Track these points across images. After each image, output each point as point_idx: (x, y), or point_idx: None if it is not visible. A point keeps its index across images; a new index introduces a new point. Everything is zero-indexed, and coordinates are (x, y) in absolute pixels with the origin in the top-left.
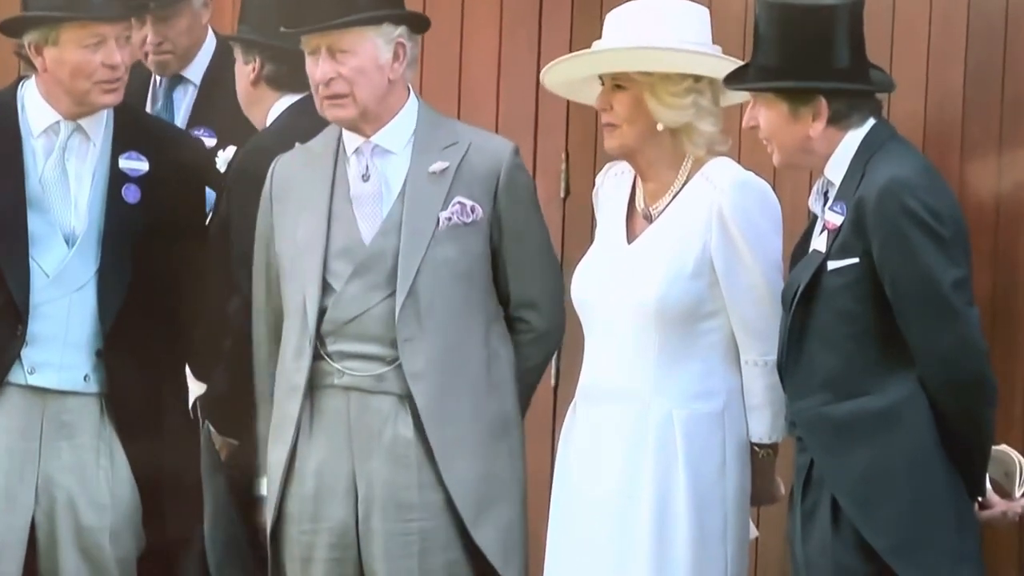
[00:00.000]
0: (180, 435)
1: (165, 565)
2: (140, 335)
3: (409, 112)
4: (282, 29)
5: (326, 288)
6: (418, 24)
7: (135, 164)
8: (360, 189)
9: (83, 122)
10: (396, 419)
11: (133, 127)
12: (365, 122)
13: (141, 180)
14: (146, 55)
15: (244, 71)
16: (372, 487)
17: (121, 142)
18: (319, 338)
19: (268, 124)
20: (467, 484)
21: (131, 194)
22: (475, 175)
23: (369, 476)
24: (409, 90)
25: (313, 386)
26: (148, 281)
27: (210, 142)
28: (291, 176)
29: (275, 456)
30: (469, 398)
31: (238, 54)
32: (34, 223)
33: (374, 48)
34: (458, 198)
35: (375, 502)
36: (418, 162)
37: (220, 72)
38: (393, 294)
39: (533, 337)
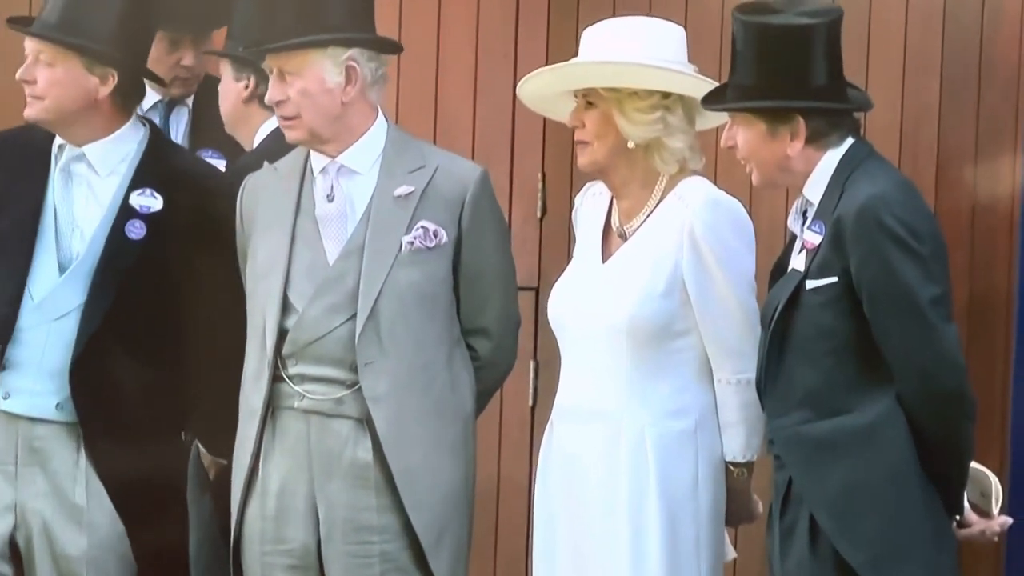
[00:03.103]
0: (164, 463)
1: None
2: (115, 366)
3: (377, 133)
4: (241, 49)
5: (288, 309)
6: (380, 46)
7: (147, 201)
8: (325, 209)
9: (88, 150)
10: (355, 442)
11: (159, 164)
12: (320, 143)
13: (150, 218)
14: (173, 79)
15: (234, 88)
16: (332, 509)
17: (140, 178)
18: (280, 360)
19: (255, 144)
20: (427, 510)
21: (135, 230)
22: (441, 199)
23: (329, 499)
24: (377, 111)
25: (274, 408)
26: (134, 315)
27: (219, 163)
28: (258, 196)
29: (236, 478)
30: (430, 422)
31: (227, 71)
32: (39, 246)
33: (321, 71)
34: (422, 222)
35: (336, 524)
36: (384, 184)
37: (209, 92)
38: (354, 317)
39: (479, 365)
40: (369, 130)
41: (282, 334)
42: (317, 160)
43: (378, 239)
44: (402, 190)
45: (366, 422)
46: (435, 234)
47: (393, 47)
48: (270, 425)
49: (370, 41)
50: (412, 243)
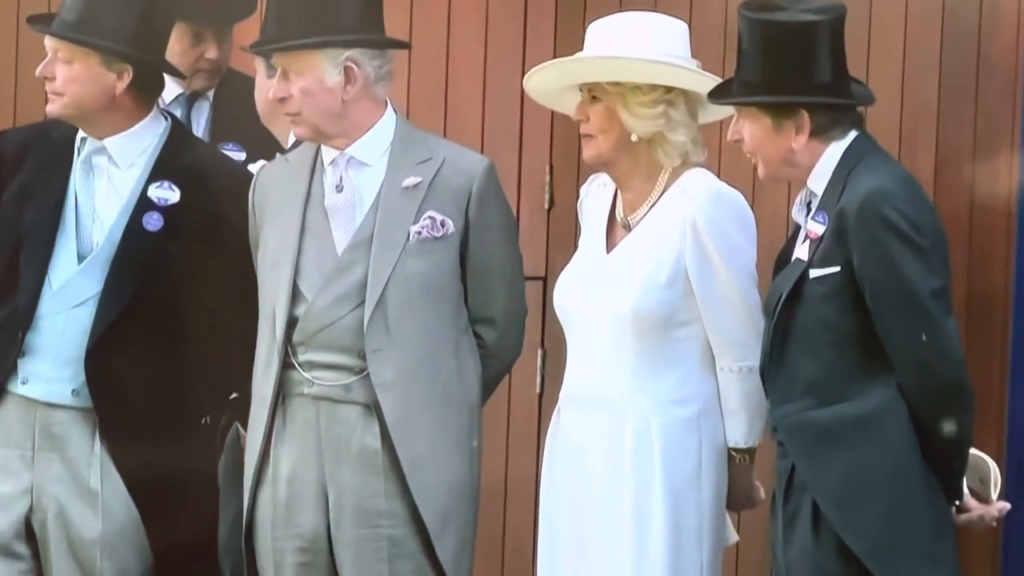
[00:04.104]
0: (180, 452)
1: (185, 571)
2: (130, 354)
3: (385, 126)
4: (242, 47)
5: (297, 297)
6: (380, 45)
7: (164, 193)
8: (334, 200)
9: (108, 143)
10: (364, 429)
11: (178, 157)
12: (326, 139)
13: (167, 210)
14: (196, 72)
15: (265, 85)
16: (342, 495)
17: (159, 170)
18: (291, 347)
19: (291, 141)
20: (434, 496)
21: (152, 222)
22: (448, 190)
23: (339, 484)
24: (386, 104)
25: (285, 395)
26: (150, 305)
27: (239, 156)
28: (269, 187)
29: (248, 463)
30: (437, 409)
31: (260, 67)
32: (60, 236)
33: (320, 71)
34: (429, 213)
35: (345, 509)
36: (392, 176)
37: (229, 86)
38: (362, 305)
39: (485, 353)
40: (377, 123)
41: (292, 322)
42: (327, 152)
43: (386, 229)
44: (410, 181)
45: (374, 408)
46: (442, 224)
47: (395, 45)
48: (280, 412)
49: (369, 41)
50: (419, 233)
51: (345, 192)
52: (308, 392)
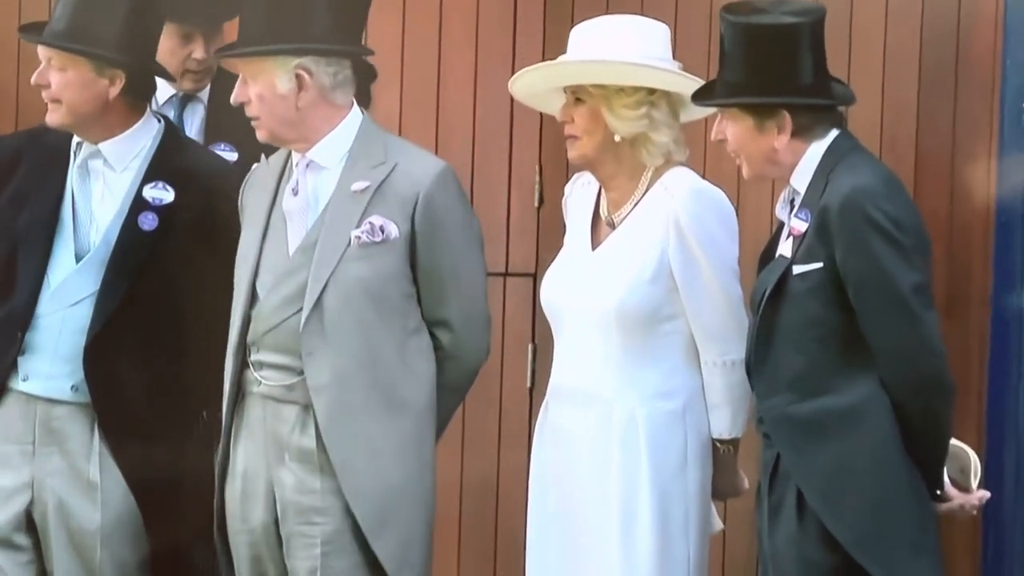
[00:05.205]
0: (176, 446)
1: (180, 564)
2: (127, 351)
3: (346, 129)
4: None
5: (254, 298)
6: (335, 54)
7: (159, 193)
8: (291, 203)
9: (103, 147)
10: (301, 428)
11: (171, 158)
12: (285, 143)
13: (162, 209)
14: (184, 72)
15: None
16: (284, 491)
17: (153, 171)
18: (246, 346)
19: None
20: (368, 497)
21: (147, 222)
22: (396, 196)
23: (281, 481)
24: (349, 108)
25: (242, 392)
26: (147, 303)
27: (231, 156)
28: (253, 187)
29: (218, 458)
30: (375, 413)
31: None
32: (58, 239)
33: (272, 78)
34: (371, 218)
35: (288, 505)
36: (345, 180)
37: (224, 87)
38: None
39: (443, 355)
40: (337, 127)
41: (248, 321)
42: (295, 155)
43: (330, 233)
44: (357, 185)
45: (311, 408)
46: (382, 229)
47: (349, 53)
48: (239, 409)
49: (319, 50)
50: (359, 238)
51: (300, 195)
52: (257, 391)
